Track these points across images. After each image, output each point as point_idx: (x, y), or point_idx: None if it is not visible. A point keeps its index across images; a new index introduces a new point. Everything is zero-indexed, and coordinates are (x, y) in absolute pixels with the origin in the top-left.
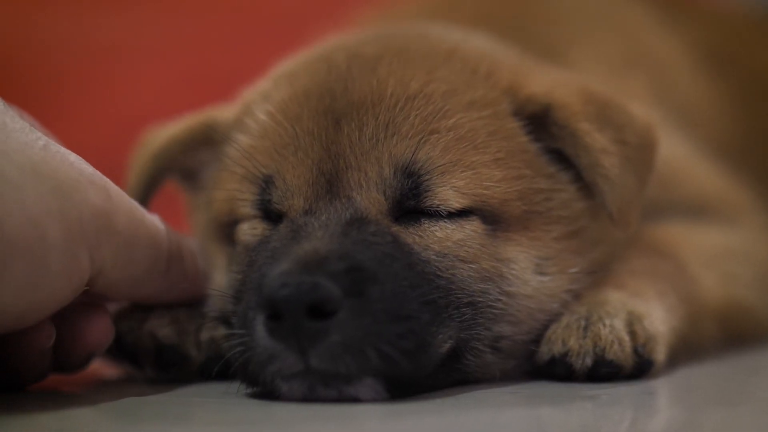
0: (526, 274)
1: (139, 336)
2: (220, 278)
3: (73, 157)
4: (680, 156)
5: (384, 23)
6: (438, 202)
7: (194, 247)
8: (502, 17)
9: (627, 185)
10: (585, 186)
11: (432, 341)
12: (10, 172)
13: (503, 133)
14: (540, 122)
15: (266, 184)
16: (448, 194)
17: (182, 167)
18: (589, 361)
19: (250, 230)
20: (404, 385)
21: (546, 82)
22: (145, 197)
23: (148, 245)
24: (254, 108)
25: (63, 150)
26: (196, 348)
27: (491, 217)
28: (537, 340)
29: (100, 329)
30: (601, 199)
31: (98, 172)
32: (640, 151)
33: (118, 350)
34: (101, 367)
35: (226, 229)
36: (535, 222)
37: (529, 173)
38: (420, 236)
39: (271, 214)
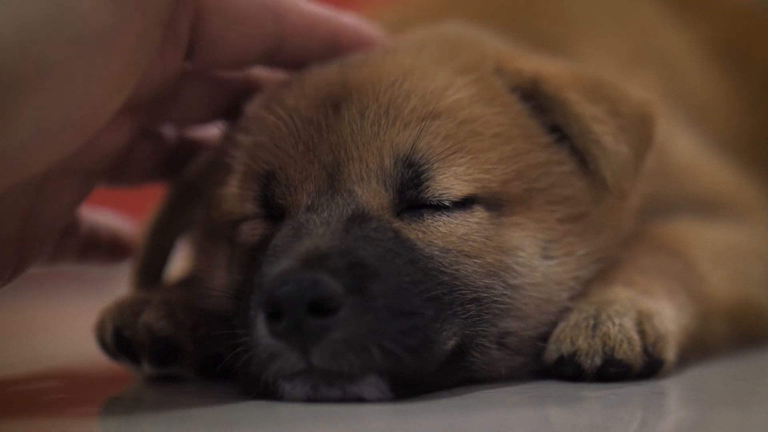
0: (533, 260)
1: (136, 329)
2: (221, 278)
3: None
4: (690, 152)
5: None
6: (440, 191)
7: None
8: (508, 14)
9: (621, 153)
10: (583, 162)
11: (436, 338)
12: None
13: (495, 102)
14: (529, 97)
15: (268, 180)
16: (449, 182)
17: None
18: (598, 361)
19: (250, 229)
20: (409, 384)
21: (533, 61)
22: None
23: None
24: (254, 108)
25: None
26: (192, 343)
27: (494, 202)
28: (544, 337)
29: None
30: (594, 166)
31: None
32: (635, 123)
33: (116, 345)
34: (102, 366)
35: (227, 229)
36: (537, 201)
37: (526, 146)
38: (423, 231)
39: (273, 211)
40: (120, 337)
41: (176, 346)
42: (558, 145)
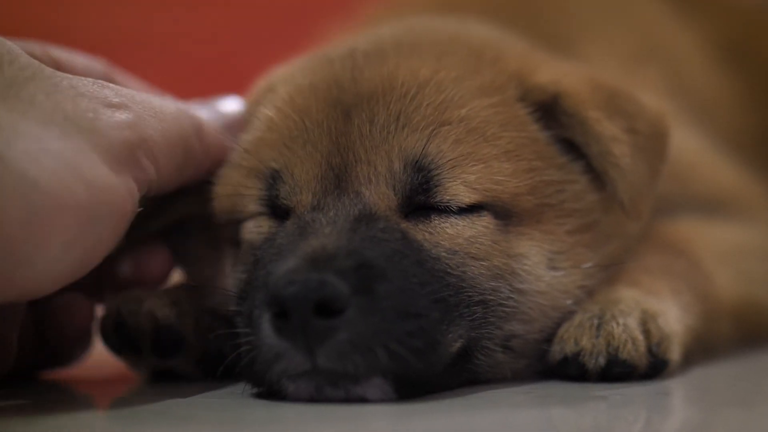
0: (539, 269)
1: (139, 317)
2: (225, 277)
3: (84, 86)
4: (695, 150)
5: (386, 20)
6: (448, 198)
7: (205, 118)
8: (512, 10)
9: (638, 174)
10: (596, 177)
11: (442, 340)
12: (28, 128)
13: (513, 122)
14: (548, 111)
15: (273, 179)
16: (458, 189)
17: None
18: (602, 361)
19: (255, 228)
20: (413, 385)
21: (553, 71)
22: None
23: (180, 138)
24: (259, 104)
25: (75, 82)
26: (195, 334)
27: (503, 212)
28: (549, 339)
29: (160, 261)
30: (612, 188)
31: (110, 87)
32: (651, 140)
33: (119, 336)
34: (103, 366)
35: (230, 227)
36: (547, 215)
37: (541, 165)
38: (430, 233)
39: (277, 211)
40: (122, 327)
41: (179, 336)
42: (573, 164)
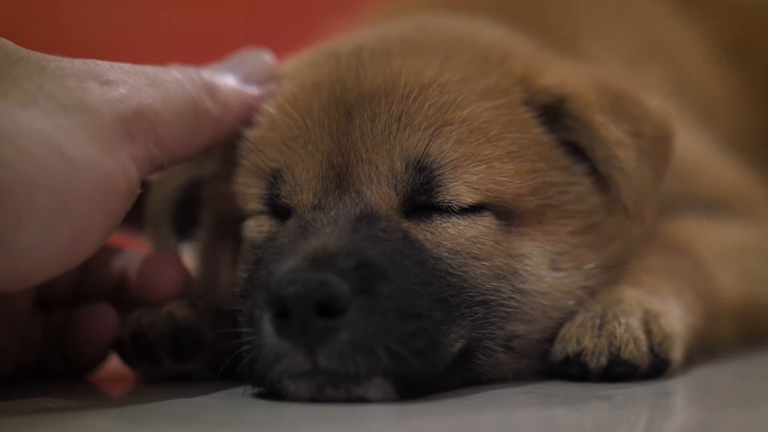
0: (541, 270)
1: (158, 321)
2: (227, 276)
3: (73, 67)
4: (697, 150)
5: (389, 18)
6: (450, 198)
7: (221, 77)
8: (516, 8)
9: (643, 178)
10: (600, 179)
11: (443, 340)
12: (3, 109)
13: (517, 124)
14: (553, 114)
15: (274, 178)
16: (460, 189)
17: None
18: (604, 361)
19: (256, 227)
20: (414, 386)
21: (559, 73)
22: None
23: (186, 101)
24: (264, 103)
25: (63, 64)
26: (211, 334)
27: (505, 212)
28: (551, 339)
29: (170, 278)
30: (616, 192)
31: (102, 64)
32: (656, 144)
33: (135, 345)
34: (103, 366)
35: (231, 226)
36: (549, 216)
37: (544, 166)
38: (431, 233)
39: (278, 210)
40: (140, 336)
41: (198, 337)
42: (576, 166)
